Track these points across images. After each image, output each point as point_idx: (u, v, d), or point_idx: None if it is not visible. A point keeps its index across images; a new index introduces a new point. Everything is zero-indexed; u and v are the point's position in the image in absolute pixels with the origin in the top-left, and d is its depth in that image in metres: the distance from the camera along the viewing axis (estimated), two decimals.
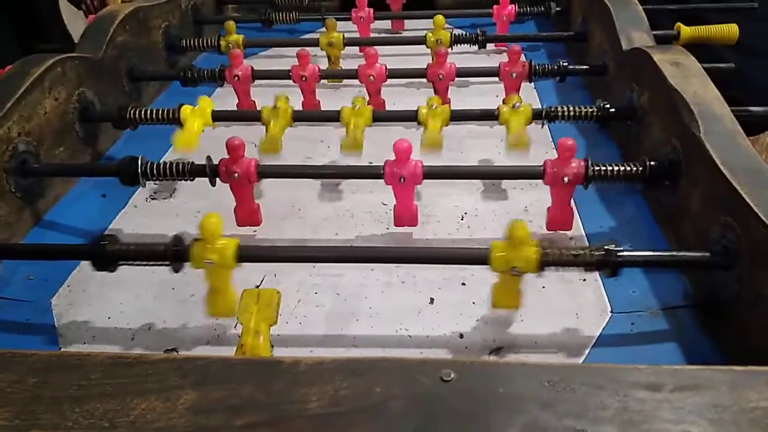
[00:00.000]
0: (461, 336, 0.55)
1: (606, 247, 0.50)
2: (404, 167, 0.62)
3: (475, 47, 1.05)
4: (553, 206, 0.65)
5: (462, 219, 0.70)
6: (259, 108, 0.81)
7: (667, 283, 0.58)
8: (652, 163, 0.63)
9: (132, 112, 0.79)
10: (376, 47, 0.92)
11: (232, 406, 0.29)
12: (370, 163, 0.77)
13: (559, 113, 0.75)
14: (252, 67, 0.91)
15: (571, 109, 0.75)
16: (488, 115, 0.77)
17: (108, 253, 0.53)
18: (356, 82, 0.91)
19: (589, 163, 0.62)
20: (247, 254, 0.53)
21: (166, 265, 0.54)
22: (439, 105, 0.76)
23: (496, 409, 0.28)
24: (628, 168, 0.63)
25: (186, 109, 0.78)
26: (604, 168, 0.62)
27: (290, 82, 0.91)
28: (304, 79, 0.90)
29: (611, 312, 0.56)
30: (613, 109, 0.75)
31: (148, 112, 0.79)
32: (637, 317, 0.55)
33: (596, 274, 0.60)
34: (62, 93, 0.76)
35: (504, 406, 0.28)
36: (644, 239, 0.65)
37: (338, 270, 0.62)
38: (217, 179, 0.66)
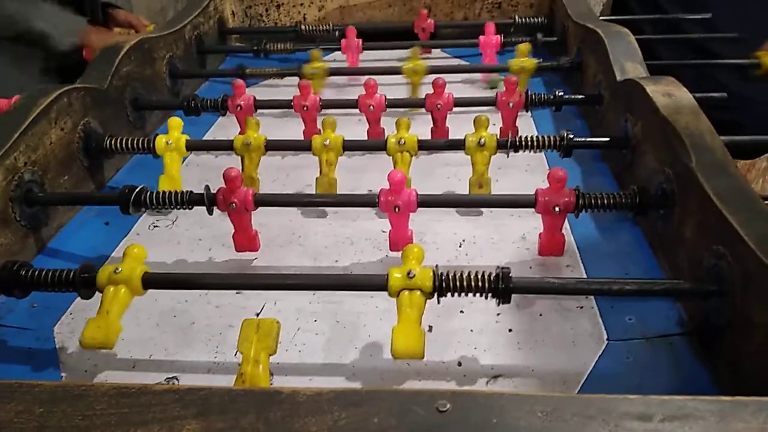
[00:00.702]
0: (459, 364, 0.55)
1: (497, 273, 0.52)
2: (399, 196, 0.64)
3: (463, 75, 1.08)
4: (544, 233, 0.66)
5: (460, 246, 0.71)
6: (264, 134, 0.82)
7: (662, 310, 0.59)
8: (642, 192, 0.64)
9: (108, 142, 0.81)
10: (375, 77, 0.94)
11: None
12: (369, 190, 0.79)
13: (524, 143, 0.76)
14: (254, 97, 0.93)
15: (536, 139, 0.76)
16: (454, 146, 0.78)
17: (19, 279, 0.56)
18: (356, 111, 0.93)
19: (580, 192, 0.63)
20: (155, 281, 0.56)
21: (75, 291, 0.56)
22: (407, 135, 0.77)
23: None
24: (618, 197, 0.64)
25: (161, 142, 0.80)
26: (594, 197, 0.64)
27: (292, 111, 0.93)
28: (305, 108, 0.92)
29: (607, 339, 0.57)
30: (577, 139, 0.77)
31: (124, 141, 0.81)
32: (633, 345, 0.56)
33: (593, 302, 0.61)
34: (68, 123, 0.78)
35: None
36: (640, 266, 0.66)
37: (338, 297, 0.63)
38: (215, 208, 0.67)
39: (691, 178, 0.58)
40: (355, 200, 0.70)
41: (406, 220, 0.66)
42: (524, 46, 1.03)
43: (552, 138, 0.77)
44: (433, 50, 1.27)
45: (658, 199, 0.64)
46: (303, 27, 1.28)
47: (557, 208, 0.62)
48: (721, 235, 0.51)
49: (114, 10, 1.38)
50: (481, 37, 1.15)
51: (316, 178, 0.78)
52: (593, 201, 0.64)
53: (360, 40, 1.17)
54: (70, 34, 1.22)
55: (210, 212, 0.67)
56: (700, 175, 0.57)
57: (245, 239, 0.69)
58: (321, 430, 0.29)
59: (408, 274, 0.51)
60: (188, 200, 0.68)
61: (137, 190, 0.68)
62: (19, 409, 0.32)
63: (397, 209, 0.64)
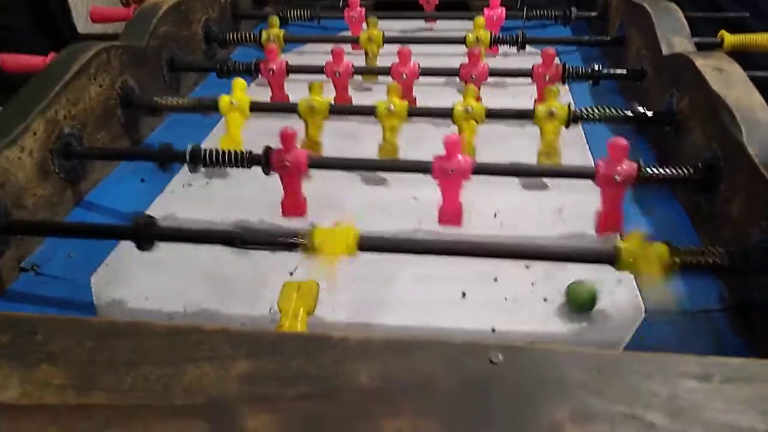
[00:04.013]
0: (493, 330, 0.55)
1: None
2: (453, 162, 0.61)
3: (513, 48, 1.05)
4: (603, 208, 0.63)
5: (495, 216, 0.70)
6: (294, 100, 0.81)
7: (702, 285, 0.58)
8: (700, 166, 0.63)
9: (167, 100, 0.81)
10: (410, 45, 0.93)
11: (283, 377, 0.29)
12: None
13: (595, 115, 0.75)
14: (287, 62, 0.93)
15: (607, 110, 0.75)
16: (523, 115, 0.77)
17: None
18: (389, 79, 0.92)
19: (641, 164, 0.61)
20: None
21: None
22: (475, 103, 0.76)
23: (545, 393, 0.28)
24: (679, 171, 0.63)
25: (225, 101, 0.79)
26: (656, 170, 0.62)
27: (323, 76, 0.92)
28: (337, 74, 0.91)
29: (645, 313, 0.56)
30: (650, 114, 0.75)
31: (184, 101, 0.81)
32: (671, 318, 0.55)
33: (631, 275, 0.60)
34: (106, 80, 0.78)
35: (554, 391, 0.29)
36: (681, 242, 0.64)
37: (373, 259, 0.62)
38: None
39: (741, 153, 0.56)
40: (408, 167, 0.67)
41: (459, 189, 0.63)
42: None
43: (617, 110, 0.75)
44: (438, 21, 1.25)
45: (712, 175, 0.62)
46: None
47: (618, 178, 0.60)
48: None
49: None
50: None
51: (379, 145, 0.77)
52: (655, 174, 0.62)
53: (363, 9, 1.13)
54: None
55: (266, 172, 0.66)
56: (750, 149, 0.55)
57: (293, 204, 0.67)
58: (371, 375, 0.29)
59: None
60: (249, 160, 0.66)
61: (193, 146, 0.68)
62: (71, 344, 0.32)
63: (452, 171, 0.61)
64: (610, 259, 0.50)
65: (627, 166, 0.60)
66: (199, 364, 0.30)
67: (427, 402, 0.28)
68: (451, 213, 0.65)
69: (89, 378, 0.30)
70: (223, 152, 0.67)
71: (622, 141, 0.60)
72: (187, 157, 0.67)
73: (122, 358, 0.31)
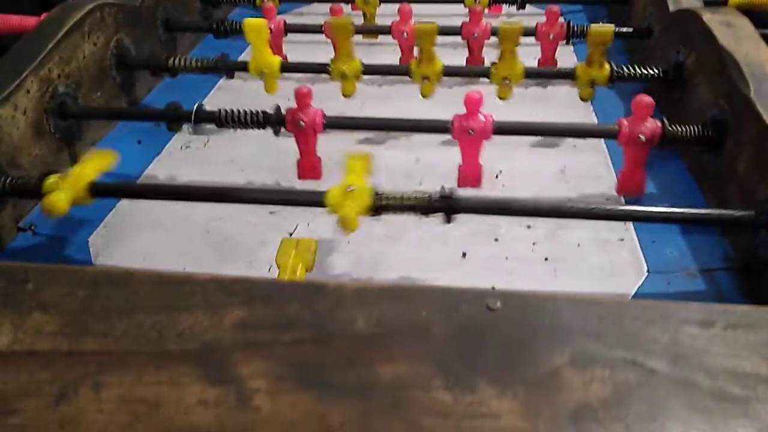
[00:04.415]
0: (493, 288, 0.54)
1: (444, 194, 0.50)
2: (474, 121, 0.59)
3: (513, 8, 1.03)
4: (625, 168, 0.62)
5: (497, 177, 0.69)
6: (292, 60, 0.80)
7: (706, 244, 0.57)
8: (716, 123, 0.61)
9: (172, 60, 0.79)
10: (411, 5, 0.91)
11: (278, 324, 0.29)
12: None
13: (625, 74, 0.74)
14: (285, 21, 0.91)
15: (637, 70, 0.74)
16: (566, 74, 0.75)
17: None
18: (390, 38, 0.90)
19: (666, 123, 0.59)
20: None
21: None
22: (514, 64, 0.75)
23: (543, 339, 0.28)
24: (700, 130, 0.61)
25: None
26: (681, 129, 0.60)
27: (323, 37, 0.90)
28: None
29: (647, 271, 0.55)
30: (656, 70, 0.74)
31: (188, 60, 0.79)
32: (673, 277, 0.54)
33: (633, 234, 0.59)
34: (101, 38, 0.76)
35: (552, 337, 0.28)
36: (685, 201, 0.64)
37: (372, 220, 0.61)
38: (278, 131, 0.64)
39: (749, 109, 0.55)
40: (427, 126, 0.65)
41: (479, 150, 0.62)
42: None
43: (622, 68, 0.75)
44: None
45: (722, 130, 0.60)
46: None
47: (642, 137, 0.58)
48: None
49: None
50: None
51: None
52: (681, 133, 0.60)
53: None
54: None
55: (277, 133, 0.65)
56: (758, 104, 0.54)
57: (309, 166, 0.65)
58: (368, 321, 0.29)
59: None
60: (261, 120, 0.64)
61: (197, 105, 0.66)
62: (63, 292, 0.32)
63: (471, 132, 0.59)
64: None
65: (650, 126, 0.58)
66: (193, 312, 0.30)
67: (424, 348, 0.28)
68: (470, 175, 0.63)
69: (82, 325, 0.30)
70: (230, 112, 0.65)
71: (646, 99, 0.58)
72: (192, 117, 0.66)
73: (115, 306, 0.30)
